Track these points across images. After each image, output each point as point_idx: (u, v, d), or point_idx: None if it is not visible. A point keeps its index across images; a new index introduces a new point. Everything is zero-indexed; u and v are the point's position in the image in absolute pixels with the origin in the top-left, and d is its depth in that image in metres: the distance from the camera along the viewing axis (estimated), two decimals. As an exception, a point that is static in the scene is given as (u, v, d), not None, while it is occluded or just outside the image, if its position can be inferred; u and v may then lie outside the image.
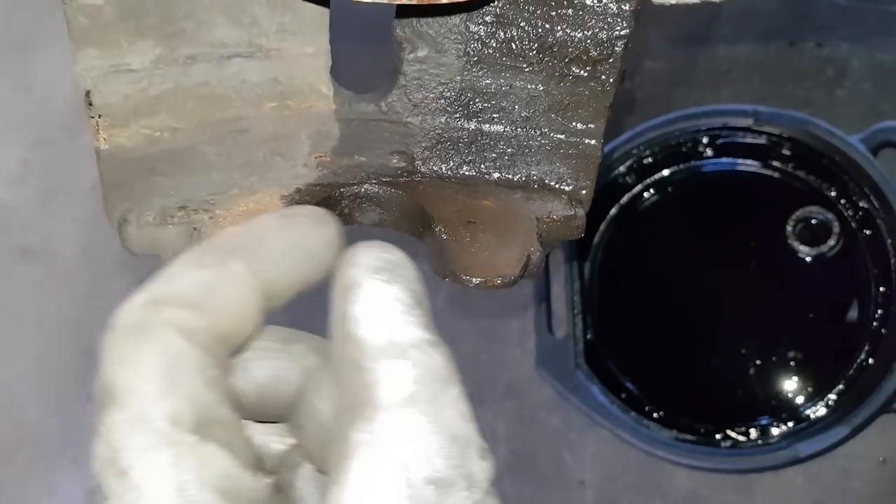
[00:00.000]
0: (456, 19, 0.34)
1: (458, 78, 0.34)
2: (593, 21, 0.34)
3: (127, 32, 0.29)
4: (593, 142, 0.36)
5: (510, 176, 0.36)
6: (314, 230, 0.25)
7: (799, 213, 0.90)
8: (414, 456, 0.21)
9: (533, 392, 0.95)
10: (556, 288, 0.95)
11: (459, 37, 0.34)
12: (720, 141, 0.94)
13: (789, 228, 0.91)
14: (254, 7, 0.31)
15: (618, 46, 0.35)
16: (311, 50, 0.32)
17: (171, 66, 0.30)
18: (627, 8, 0.33)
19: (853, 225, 0.90)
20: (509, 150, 0.36)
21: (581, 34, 0.34)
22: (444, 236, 0.33)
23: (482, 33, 0.34)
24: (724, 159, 0.95)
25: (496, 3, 0.33)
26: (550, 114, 0.35)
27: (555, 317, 0.95)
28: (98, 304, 1.09)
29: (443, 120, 0.35)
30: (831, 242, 0.90)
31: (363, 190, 0.34)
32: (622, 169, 0.96)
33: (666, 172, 0.96)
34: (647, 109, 0.97)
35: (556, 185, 0.36)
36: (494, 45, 0.34)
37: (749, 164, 0.94)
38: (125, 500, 0.20)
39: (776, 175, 0.93)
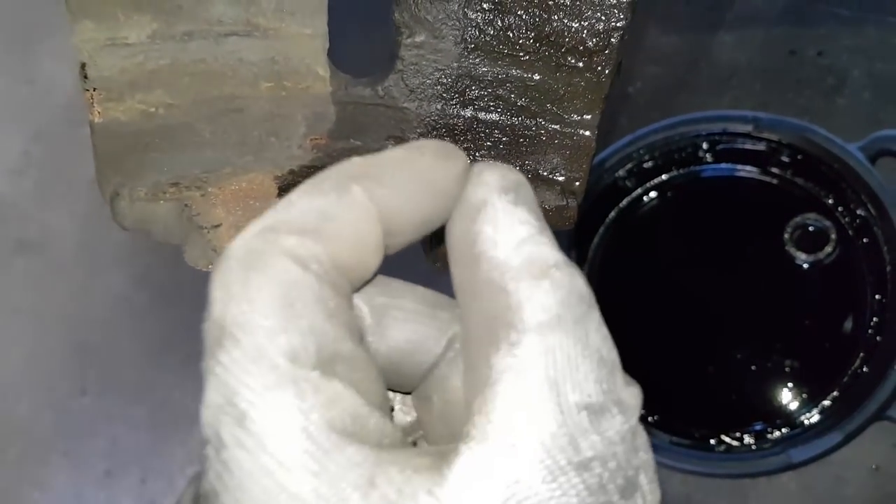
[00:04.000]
0: (454, 5, 0.34)
1: (455, 64, 0.35)
2: (590, 12, 0.34)
3: (124, 6, 0.29)
4: (587, 133, 0.36)
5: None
6: (442, 163, 0.23)
7: (797, 220, 0.91)
8: (565, 380, 0.19)
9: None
10: (552, 290, 0.95)
11: (457, 23, 0.34)
12: (720, 146, 0.94)
13: (787, 235, 0.91)
14: None
15: (614, 38, 0.35)
16: (309, 31, 0.32)
17: (168, 41, 0.31)
18: None
19: (850, 232, 0.90)
20: (504, 138, 0.36)
21: (578, 24, 0.34)
22: None
23: (480, 20, 0.34)
24: (723, 165, 0.95)
25: None
26: (546, 103, 0.35)
27: (551, 319, 0.94)
28: (94, 298, 1.08)
29: (439, 106, 0.35)
30: (828, 249, 0.90)
31: None
32: (622, 173, 0.96)
33: (665, 177, 0.96)
34: (648, 114, 0.97)
35: (550, 176, 0.36)
36: (492, 32, 0.34)
37: (748, 170, 0.94)
38: (247, 447, 0.18)
39: (775, 181, 0.93)
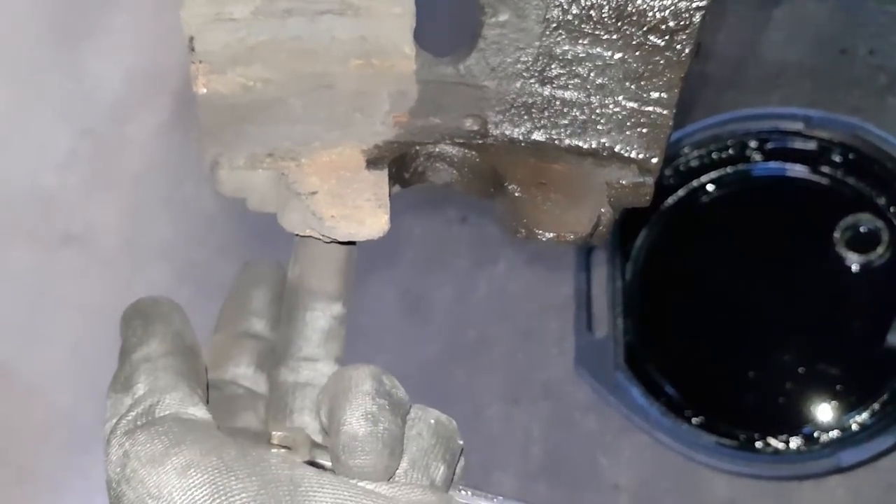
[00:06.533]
0: (539, -15, 0.34)
1: (537, 43, 0.35)
2: None
3: None
4: (665, 112, 0.36)
5: (581, 143, 0.36)
6: None
7: (848, 220, 0.89)
8: None
9: (569, 393, 0.95)
10: (596, 288, 0.95)
11: (541, 3, 0.34)
12: (769, 145, 0.94)
13: (837, 235, 0.89)
14: None
15: (696, 17, 0.35)
16: (399, 10, 0.32)
17: (269, 18, 0.31)
18: None
19: (903, 234, 0.89)
20: (581, 117, 0.36)
21: (660, 3, 0.34)
22: (517, 194, 0.33)
23: (563, 0, 0.34)
24: (772, 163, 0.94)
25: None
26: (625, 82, 0.35)
27: (595, 317, 0.94)
28: (137, 291, 1.10)
29: (518, 85, 0.35)
30: (880, 251, 0.88)
31: (437, 150, 0.34)
32: (668, 171, 0.95)
33: (713, 175, 0.95)
34: (695, 112, 0.96)
35: (626, 154, 0.36)
36: (575, 12, 0.34)
37: (798, 170, 0.93)
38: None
39: (825, 181, 0.92)
